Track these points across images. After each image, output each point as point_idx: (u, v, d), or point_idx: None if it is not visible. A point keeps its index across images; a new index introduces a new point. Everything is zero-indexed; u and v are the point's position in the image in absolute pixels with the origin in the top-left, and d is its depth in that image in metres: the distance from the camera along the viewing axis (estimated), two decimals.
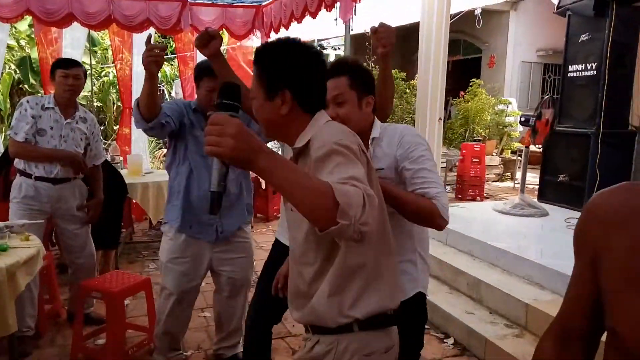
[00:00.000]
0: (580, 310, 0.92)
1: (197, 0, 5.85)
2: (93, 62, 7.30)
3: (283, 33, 5.71)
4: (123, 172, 4.54)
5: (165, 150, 5.94)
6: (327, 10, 4.69)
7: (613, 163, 4.84)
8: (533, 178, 6.74)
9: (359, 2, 4.51)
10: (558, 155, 5.38)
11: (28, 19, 6.42)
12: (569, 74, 5.29)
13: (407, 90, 8.55)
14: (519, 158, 8.08)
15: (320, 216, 1.02)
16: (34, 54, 7.59)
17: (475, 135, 8.40)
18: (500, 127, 8.74)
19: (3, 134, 7.43)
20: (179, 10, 5.63)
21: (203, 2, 5.90)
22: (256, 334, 2.27)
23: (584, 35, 5.11)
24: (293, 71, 1.26)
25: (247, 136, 0.99)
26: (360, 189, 1.06)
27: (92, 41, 6.98)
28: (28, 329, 2.89)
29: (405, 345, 1.72)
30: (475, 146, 6.88)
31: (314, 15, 4.85)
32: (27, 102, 3.01)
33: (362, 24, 6.89)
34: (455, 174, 7.09)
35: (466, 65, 11.26)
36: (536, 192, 5.71)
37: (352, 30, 4.82)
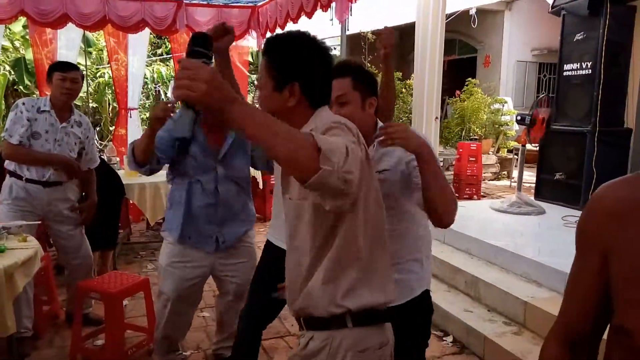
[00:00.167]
0: (587, 311, 0.89)
1: (193, 0, 5.85)
2: (88, 63, 7.28)
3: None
4: (120, 172, 4.52)
5: None
6: (323, 11, 4.70)
7: (609, 161, 4.86)
8: (530, 176, 6.77)
9: (355, 2, 4.52)
10: (554, 153, 5.41)
11: (22, 20, 6.38)
12: (564, 73, 5.32)
13: (403, 90, 8.57)
14: (516, 157, 8.10)
15: (302, 164, 1.00)
16: (29, 55, 7.56)
17: (471, 134, 8.43)
18: (496, 126, 8.77)
19: None
20: (174, 11, 5.63)
21: (198, 2, 5.90)
22: (248, 336, 2.27)
23: (578, 35, 5.13)
24: (304, 64, 1.27)
25: (220, 83, 0.97)
26: (343, 140, 1.06)
27: (87, 42, 6.95)
28: (26, 330, 2.87)
29: (413, 339, 1.79)
30: (471, 145, 6.90)
31: (309, 15, 4.86)
32: (23, 104, 2.97)
33: (357, 24, 6.90)
34: (452, 172, 7.11)
35: (462, 65, 11.29)
36: (533, 191, 5.73)
37: (348, 30, 4.82)
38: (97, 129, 8.88)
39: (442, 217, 1.56)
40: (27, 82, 8.40)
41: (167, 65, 9.58)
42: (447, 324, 3.31)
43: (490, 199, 6.63)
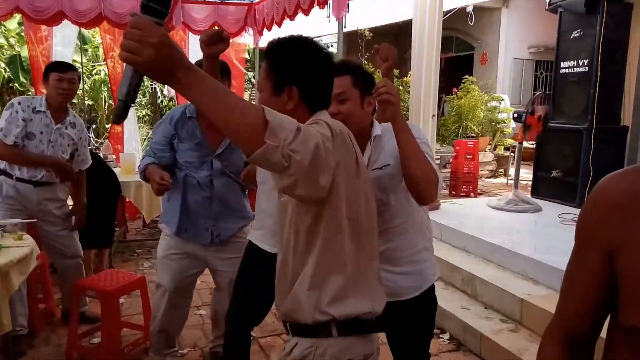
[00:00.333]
0: (586, 310, 0.85)
1: None
2: (84, 60, 7.25)
3: (275, 30, 5.70)
4: (116, 170, 4.51)
5: None
6: (319, 8, 4.69)
7: (605, 158, 4.87)
8: (526, 174, 6.77)
9: None
10: (551, 151, 5.42)
11: (18, 17, 6.35)
12: (561, 71, 5.33)
13: (401, 87, 8.56)
14: (512, 154, 8.11)
15: (246, 136, 0.98)
16: (24, 53, 7.52)
17: (468, 131, 8.43)
18: (493, 123, 8.77)
19: None
20: (170, 8, 5.60)
21: None
22: (236, 339, 2.27)
23: (575, 32, 5.14)
24: (303, 68, 1.27)
25: (169, 48, 0.90)
26: (311, 129, 1.05)
27: (82, 39, 6.93)
28: (21, 327, 2.86)
29: (422, 331, 1.86)
30: (468, 143, 6.90)
31: (306, 12, 4.85)
32: (19, 103, 2.92)
33: (355, 21, 6.88)
34: (449, 170, 7.11)
35: (459, 62, 11.28)
36: (529, 188, 5.74)
37: (345, 27, 4.81)
38: (93, 126, 8.83)
39: (425, 190, 1.55)
40: (22, 79, 8.37)
41: None
42: (444, 322, 3.31)
43: (487, 196, 6.64)
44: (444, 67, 6.48)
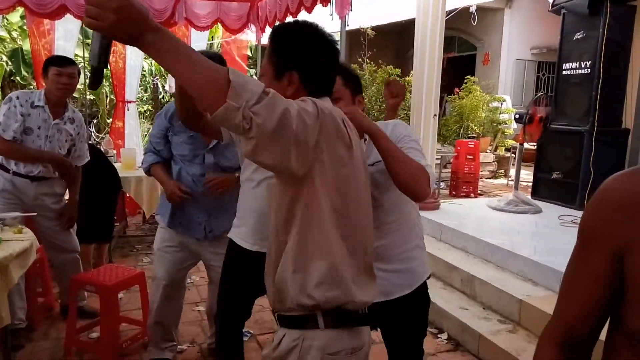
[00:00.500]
0: (587, 313, 0.83)
1: None
2: (86, 54, 7.24)
3: None
4: (117, 165, 4.51)
5: None
6: (322, 5, 4.67)
7: (607, 160, 4.87)
8: (527, 175, 6.77)
9: None
10: (552, 152, 5.41)
11: (20, 10, 6.34)
12: (563, 72, 5.32)
13: None
14: (513, 155, 8.11)
15: (210, 96, 0.98)
16: (26, 46, 7.51)
17: (469, 132, 8.42)
18: (495, 124, 8.75)
19: None
20: (173, 4, 5.59)
21: None
22: (226, 336, 2.27)
23: (578, 34, 5.13)
24: (304, 54, 1.27)
25: (130, 11, 0.92)
26: (292, 102, 1.04)
27: (85, 33, 6.91)
28: (20, 321, 2.87)
29: (414, 328, 1.88)
30: (469, 143, 6.89)
31: (309, 10, 4.83)
32: (17, 98, 2.89)
33: (358, 19, 6.86)
34: (450, 170, 7.11)
35: (461, 62, 11.26)
36: (530, 190, 5.74)
37: (348, 25, 4.80)
38: (95, 121, 8.83)
39: (416, 188, 1.55)
40: (24, 73, 8.36)
41: None
42: (442, 321, 3.31)
43: (488, 197, 6.64)
44: (446, 66, 6.47)
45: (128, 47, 6.12)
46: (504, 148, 8.84)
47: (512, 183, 6.21)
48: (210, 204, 2.49)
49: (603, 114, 4.96)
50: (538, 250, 3.60)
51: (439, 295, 3.52)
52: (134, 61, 6.30)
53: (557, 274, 3.08)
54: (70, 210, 3.16)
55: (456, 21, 8.69)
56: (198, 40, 6.57)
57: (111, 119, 7.07)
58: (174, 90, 8.49)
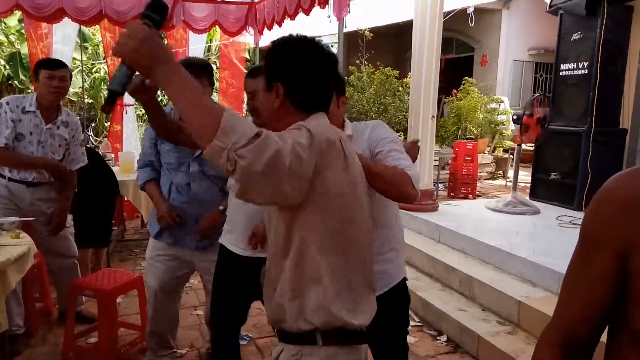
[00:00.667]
0: (589, 314, 0.82)
1: None
2: (84, 58, 7.23)
3: (276, 30, 5.69)
4: (115, 169, 4.49)
5: None
6: (320, 8, 4.68)
7: (604, 161, 4.87)
8: (525, 176, 6.77)
9: None
10: (550, 153, 5.42)
11: (18, 14, 6.33)
12: (561, 73, 5.33)
13: (400, 89, 8.55)
14: (511, 156, 8.11)
15: (202, 134, 1.02)
16: (24, 50, 7.50)
17: (467, 133, 8.42)
18: (493, 125, 8.76)
19: None
20: (171, 6, 5.59)
21: None
22: (222, 342, 2.26)
23: (575, 34, 5.14)
24: (289, 68, 1.27)
25: (153, 44, 1.04)
26: (284, 135, 1.06)
27: (82, 37, 6.91)
28: (18, 327, 2.85)
29: (394, 325, 1.88)
30: (467, 144, 6.89)
31: (307, 12, 4.84)
32: (7, 104, 2.84)
33: (355, 21, 6.86)
34: (448, 172, 7.10)
35: (459, 64, 11.27)
36: (528, 190, 5.74)
37: (345, 27, 4.80)
38: (93, 125, 8.83)
39: (398, 192, 1.56)
40: (22, 76, 8.35)
41: None
42: (441, 323, 3.31)
43: (486, 198, 6.64)
44: (443, 68, 6.48)
45: None
46: (502, 149, 8.84)
47: (510, 184, 6.21)
48: (195, 212, 2.46)
49: (601, 114, 4.96)
50: (536, 251, 3.60)
51: (437, 296, 3.52)
52: None
53: (555, 275, 3.07)
54: (59, 216, 3.04)
55: (454, 22, 8.70)
56: (196, 43, 6.58)
57: (109, 123, 7.06)
58: None
